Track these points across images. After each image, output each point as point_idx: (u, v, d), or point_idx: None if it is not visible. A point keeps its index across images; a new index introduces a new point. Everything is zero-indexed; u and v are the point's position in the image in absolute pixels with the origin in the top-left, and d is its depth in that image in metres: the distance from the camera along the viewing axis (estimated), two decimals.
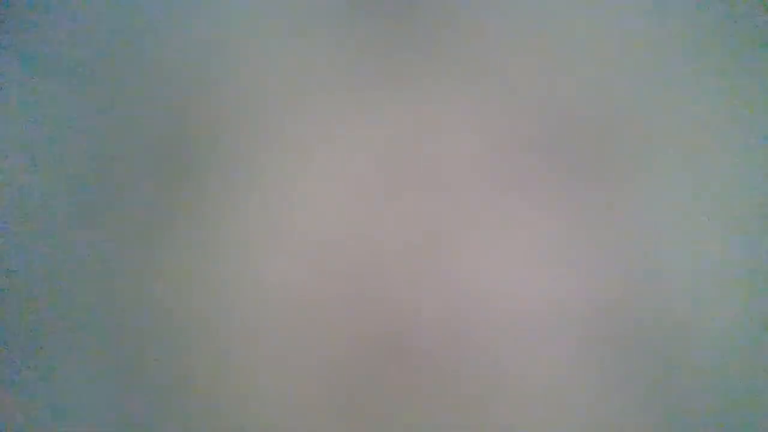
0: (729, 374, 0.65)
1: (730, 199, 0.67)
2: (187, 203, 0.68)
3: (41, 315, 0.67)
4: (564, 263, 0.67)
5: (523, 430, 0.65)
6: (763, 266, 0.67)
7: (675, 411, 0.65)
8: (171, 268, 0.67)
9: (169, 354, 0.66)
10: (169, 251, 0.67)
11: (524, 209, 0.67)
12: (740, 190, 0.68)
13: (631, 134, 0.68)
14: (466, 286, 0.67)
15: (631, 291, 0.66)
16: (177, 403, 0.66)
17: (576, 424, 0.65)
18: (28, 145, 0.69)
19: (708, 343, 0.66)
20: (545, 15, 0.70)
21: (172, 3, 0.71)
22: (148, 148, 0.69)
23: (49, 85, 0.70)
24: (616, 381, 0.65)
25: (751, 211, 0.67)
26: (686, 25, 0.70)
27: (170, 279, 0.67)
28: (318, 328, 0.66)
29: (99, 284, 0.67)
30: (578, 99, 0.69)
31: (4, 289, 0.67)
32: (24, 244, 0.68)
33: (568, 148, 0.68)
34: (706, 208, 0.67)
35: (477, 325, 0.66)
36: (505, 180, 0.68)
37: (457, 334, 0.66)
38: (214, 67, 0.70)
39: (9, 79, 0.70)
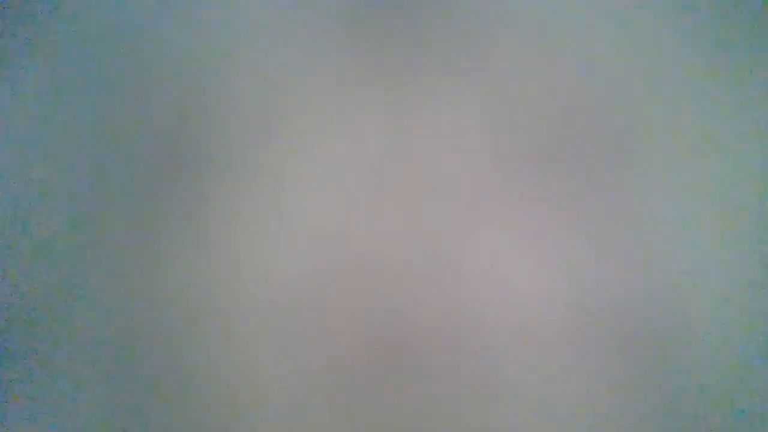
0: (729, 374, 0.65)
1: (731, 198, 0.68)
2: (186, 204, 0.68)
3: (41, 314, 0.67)
4: (564, 266, 0.67)
5: None
6: (763, 265, 0.67)
7: (675, 411, 0.65)
8: (170, 269, 0.67)
9: (168, 353, 0.66)
10: (168, 252, 0.67)
11: (525, 212, 0.67)
12: (740, 188, 0.68)
13: (633, 134, 0.68)
14: (466, 288, 0.67)
15: (633, 292, 0.66)
16: (176, 402, 0.66)
17: (577, 424, 0.65)
18: (28, 145, 0.69)
19: (708, 343, 0.66)
20: (545, 17, 0.70)
21: (172, 3, 0.71)
22: (148, 147, 0.69)
23: (50, 85, 0.70)
24: (617, 382, 0.65)
25: (751, 210, 0.67)
26: (685, 25, 0.70)
27: (169, 279, 0.67)
28: (318, 331, 0.66)
29: (99, 283, 0.67)
30: (579, 100, 0.69)
31: (3, 288, 0.67)
32: (23, 244, 0.68)
33: (569, 150, 0.68)
34: (707, 209, 0.67)
35: (478, 328, 0.66)
36: (507, 182, 0.68)
37: (458, 336, 0.66)
38: (214, 68, 0.70)
39: (9, 79, 0.70)
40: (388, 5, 0.70)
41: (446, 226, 0.67)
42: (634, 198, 0.67)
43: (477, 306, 0.66)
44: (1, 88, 0.70)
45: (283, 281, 0.67)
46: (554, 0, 0.70)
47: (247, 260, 0.67)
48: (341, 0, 0.71)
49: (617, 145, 0.68)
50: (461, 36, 0.70)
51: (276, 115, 0.69)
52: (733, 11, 0.70)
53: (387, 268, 0.67)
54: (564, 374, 0.65)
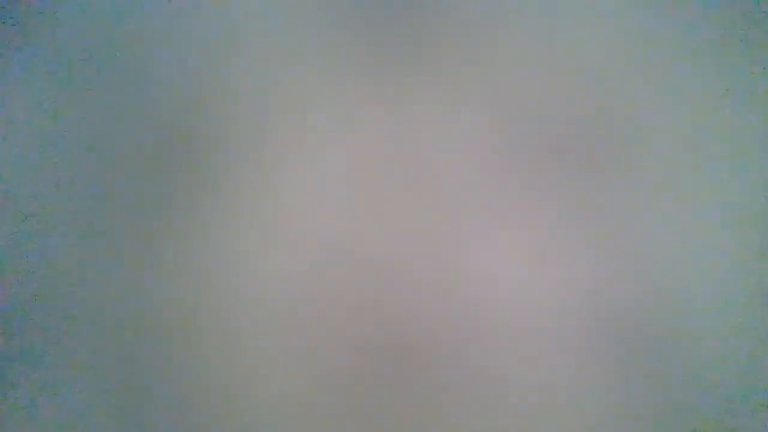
0: (730, 375, 0.65)
1: (731, 199, 0.68)
2: (186, 204, 0.68)
3: (41, 314, 0.67)
4: (565, 265, 0.67)
5: None
6: (764, 266, 0.67)
7: (675, 411, 0.65)
8: (169, 269, 0.67)
9: (167, 354, 0.66)
10: (168, 252, 0.67)
11: (525, 210, 0.67)
12: (740, 188, 0.68)
13: (633, 136, 0.68)
14: (467, 290, 0.67)
15: (634, 294, 0.66)
16: (175, 402, 0.66)
17: (577, 426, 0.65)
18: (28, 145, 0.69)
19: (709, 344, 0.66)
20: (546, 17, 0.70)
21: (172, 2, 0.71)
22: (147, 147, 0.69)
23: (49, 84, 0.70)
24: (618, 384, 0.65)
25: (751, 210, 0.67)
26: (683, 26, 0.70)
27: (169, 279, 0.67)
28: (319, 331, 0.66)
29: (97, 284, 0.67)
30: (578, 99, 0.69)
31: (3, 289, 0.67)
32: (23, 245, 0.68)
33: (568, 149, 0.68)
34: (708, 209, 0.67)
35: (478, 330, 0.66)
36: (506, 181, 0.68)
37: (459, 338, 0.66)
38: (213, 67, 0.70)
39: (9, 79, 0.70)
40: (388, 5, 0.70)
41: (447, 228, 0.67)
42: (636, 200, 0.67)
43: (478, 307, 0.66)
44: (1, 88, 0.70)
45: (283, 282, 0.67)
46: (554, 0, 0.70)
47: (247, 261, 0.67)
48: (342, 0, 0.71)
49: (619, 148, 0.68)
50: (462, 36, 0.70)
51: (276, 116, 0.69)
52: (733, 12, 0.70)
53: (387, 269, 0.67)
54: (566, 376, 0.65)
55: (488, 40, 0.70)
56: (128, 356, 0.66)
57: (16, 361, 0.67)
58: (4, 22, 0.71)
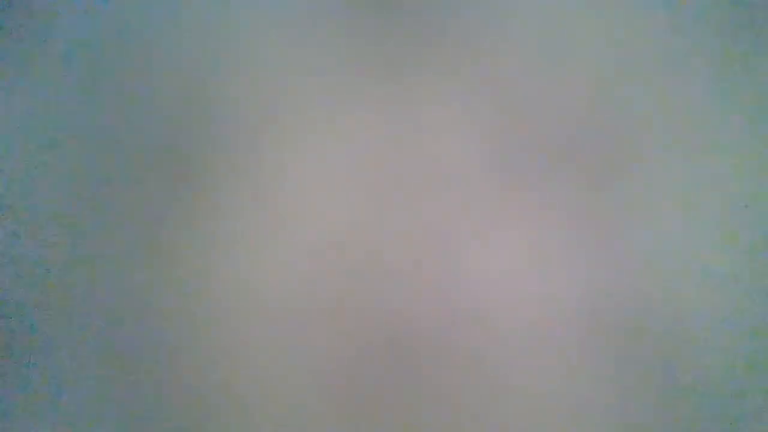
0: (729, 373, 0.65)
1: (730, 199, 0.68)
2: (186, 205, 0.68)
3: (41, 315, 0.67)
4: (564, 265, 0.67)
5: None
6: (763, 266, 0.67)
7: (675, 410, 0.65)
8: (171, 270, 0.67)
9: (167, 355, 0.66)
10: (169, 253, 0.67)
11: (525, 210, 0.67)
12: (739, 190, 0.68)
13: (633, 135, 0.68)
14: (466, 287, 0.67)
15: (635, 292, 0.66)
16: (176, 403, 0.66)
17: (577, 426, 0.65)
18: (29, 145, 0.69)
19: (708, 342, 0.66)
20: (548, 18, 0.70)
21: (171, 3, 0.71)
22: (148, 148, 0.69)
23: (50, 84, 0.70)
24: (619, 382, 0.65)
25: (751, 210, 0.67)
26: (685, 28, 0.70)
27: (171, 281, 0.67)
28: (319, 331, 0.66)
29: (97, 285, 0.67)
30: (578, 99, 0.69)
31: (5, 289, 0.67)
32: (23, 246, 0.68)
33: (568, 149, 0.68)
34: (707, 210, 0.67)
35: (480, 329, 0.66)
36: (506, 181, 0.68)
37: (459, 335, 0.66)
38: (214, 67, 0.70)
39: (9, 79, 0.70)
40: (389, 5, 0.70)
41: (448, 227, 0.67)
42: (636, 199, 0.67)
43: (479, 306, 0.66)
44: (2, 90, 0.70)
45: (284, 282, 0.67)
46: (556, 3, 0.70)
47: (248, 262, 0.67)
48: (342, 0, 0.71)
49: (619, 149, 0.68)
50: (463, 38, 0.70)
51: (276, 116, 0.69)
52: (734, 16, 0.70)
53: (387, 269, 0.67)
54: (566, 374, 0.65)
55: (489, 41, 0.70)
56: (128, 357, 0.66)
57: (15, 361, 0.66)
58: (4, 23, 0.71)
